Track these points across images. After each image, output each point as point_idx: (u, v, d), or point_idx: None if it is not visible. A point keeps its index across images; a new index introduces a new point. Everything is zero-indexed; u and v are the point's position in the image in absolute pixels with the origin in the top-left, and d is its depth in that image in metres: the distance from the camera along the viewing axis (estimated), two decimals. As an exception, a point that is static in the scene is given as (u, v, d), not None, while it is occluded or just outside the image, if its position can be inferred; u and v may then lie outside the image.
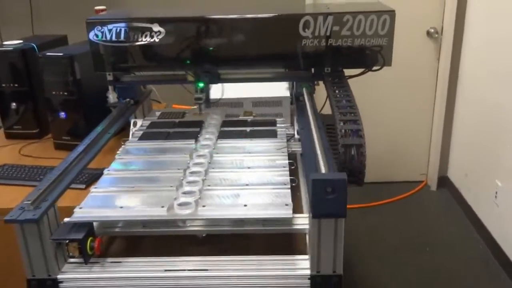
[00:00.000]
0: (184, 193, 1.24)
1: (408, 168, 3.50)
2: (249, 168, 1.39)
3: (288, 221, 1.22)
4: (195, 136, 1.65)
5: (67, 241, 1.14)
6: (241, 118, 1.87)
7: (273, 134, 1.66)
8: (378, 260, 2.66)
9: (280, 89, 2.17)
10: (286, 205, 1.18)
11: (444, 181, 3.39)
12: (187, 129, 1.73)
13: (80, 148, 1.43)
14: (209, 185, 1.29)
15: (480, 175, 2.90)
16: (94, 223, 1.23)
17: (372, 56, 1.64)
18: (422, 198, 3.37)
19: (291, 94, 2.12)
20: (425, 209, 3.24)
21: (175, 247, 1.27)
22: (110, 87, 1.88)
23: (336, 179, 1.04)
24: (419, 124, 3.41)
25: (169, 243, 1.28)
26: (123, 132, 1.82)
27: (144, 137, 1.68)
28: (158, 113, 1.95)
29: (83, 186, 1.74)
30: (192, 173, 1.36)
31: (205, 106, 1.87)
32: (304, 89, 1.76)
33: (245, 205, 1.19)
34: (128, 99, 1.89)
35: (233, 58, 1.67)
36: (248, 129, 1.71)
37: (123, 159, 1.50)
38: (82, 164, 1.38)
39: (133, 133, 1.93)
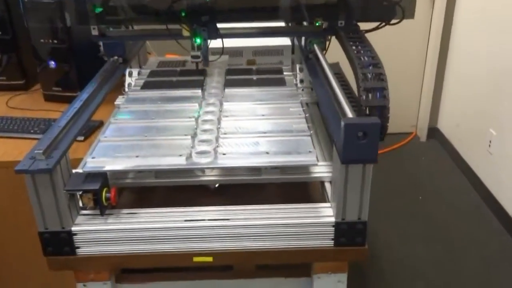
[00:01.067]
0: (201, 141, 1.19)
1: (398, 120, 3.50)
2: (263, 115, 1.34)
3: (310, 168, 1.18)
4: (201, 85, 1.58)
5: (81, 192, 1.08)
6: (244, 66, 1.80)
7: (281, 82, 1.60)
8: (370, 209, 2.68)
9: (280, 38, 2.09)
10: (310, 151, 1.14)
11: (434, 132, 3.41)
12: (191, 77, 1.65)
13: (81, 98, 1.35)
14: (225, 133, 1.24)
15: (472, 125, 2.92)
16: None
17: (390, 8, 1.54)
18: (412, 149, 3.40)
19: (292, 43, 2.05)
20: (416, 160, 3.27)
21: (188, 197, 1.22)
22: (102, 34, 1.77)
23: (370, 123, 1.00)
24: (410, 74, 3.39)
25: (181, 193, 1.23)
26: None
27: (147, 86, 1.60)
28: (155, 62, 1.85)
29: (82, 138, 1.67)
30: (204, 121, 1.30)
31: (203, 65, 1.79)
32: (315, 46, 1.66)
33: (267, 153, 1.14)
34: (116, 57, 1.67)
35: (235, 9, 1.51)
36: (254, 77, 1.65)
37: (129, 107, 1.43)
38: (87, 115, 1.30)
39: (129, 84, 1.85)
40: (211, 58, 1.59)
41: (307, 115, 1.40)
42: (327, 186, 1.23)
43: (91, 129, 1.74)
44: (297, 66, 1.92)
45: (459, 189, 2.92)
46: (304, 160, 1.12)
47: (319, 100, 1.43)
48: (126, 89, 1.81)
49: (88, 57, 1.85)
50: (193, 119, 1.32)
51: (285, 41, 2.06)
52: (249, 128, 1.27)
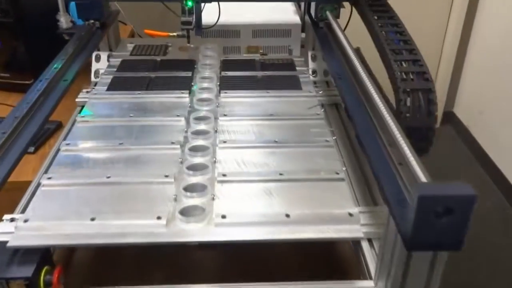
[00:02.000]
0: (189, 189, 0.82)
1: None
2: (276, 142, 0.96)
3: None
4: (188, 85, 1.18)
5: (7, 281, 0.71)
6: (245, 56, 1.39)
7: (295, 83, 1.21)
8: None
9: (286, 14, 1.68)
10: (350, 214, 0.78)
11: (449, 118, 3.04)
12: (175, 73, 1.25)
13: (30, 98, 0.96)
14: (224, 175, 0.86)
15: (501, 113, 2.54)
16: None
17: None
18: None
19: (301, 20, 1.64)
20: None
21: (169, 261, 0.87)
22: (60, 5, 1.35)
23: (459, 195, 0.63)
24: (426, 47, 2.97)
25: (159, 254, 0.87)
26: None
27: (115, 85, 1.20)
28: (129, 46, 1.44)
29: (32, 149, 1.28)
30: (194, 150, 0.92)
31: (196, 34, 1.39)
32: (328, 13, 1.31)
33: (287, 215, 0.77)
34: (91, 21, 1.38)
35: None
36: (259, 74, 1.26)
37: (88, 123, 1.03)
38: (38, 123, 0.93)
39: (97, 72, 1.45)
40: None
41: (334, 137, 1.03)
42: (364, 245, 0.87)
43: (46, 134, 1.35)
44: (309, 54, 1.53)
45: (479, 187, 2.59)
46: (343, 233, 0.76)
47: (340, 94, 1.05)
48: (93, 77, 1.43)
49: (44, 34, 1.45)
50: (178, 146, 0.94)
51: (293, 18, 1.65)
52: (256, 165, 0.89)
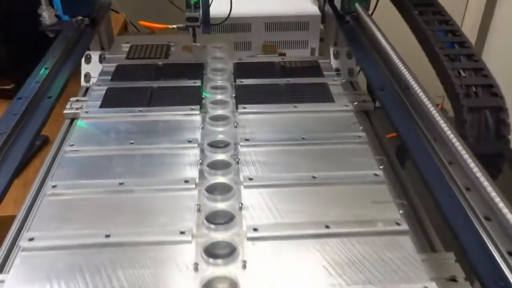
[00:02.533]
0: (211, 253, 0.63)
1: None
2: (314, 178, 0.77)
3: None
4: (197, 98, 0.98)
5: None
6: (261, 58, 1.19)
7: (326, 94, 1.01)
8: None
9: (302, 4, 1.47)
10: (426, 289, 0.59)
11: None
12: (181, 81, 1.05)
13: (7, 121, 0.77)
14: (255, 229, 0.67)
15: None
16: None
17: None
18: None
19: (321, 11, 1.43)
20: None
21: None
22: (42, -2, 1.17)
23: None
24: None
25: None
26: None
27: (110, 99, 0.99)
28: (125, 46, 1.23)
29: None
30: (212, 191, 0.73)
31: (203, 31, 1.19)
32: (357, 5, 1.15)
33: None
34: (79, 17, 1.17)
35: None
36: (281, 81, 1.06)
37: (78, 153, 0.84)
38: (18, 155, 0.74)
39: (87, 76, 1.25)
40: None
41: (381, 167, 0.84)
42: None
43: (32, 151, 1.15)
44: (331, 50, 1.33)
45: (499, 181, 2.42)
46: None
47: (386, 114, 0.86)
48: (83, 81, 1.24)
49: (25, 33, 1.25)
50: (193, 185, 0.75)
51: (311, 8, 1.44)
52: (293, 213, 0.71)
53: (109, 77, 1.08)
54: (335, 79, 1.07)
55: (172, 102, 0.97)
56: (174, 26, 1.61)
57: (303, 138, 0.86)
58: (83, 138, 0.87)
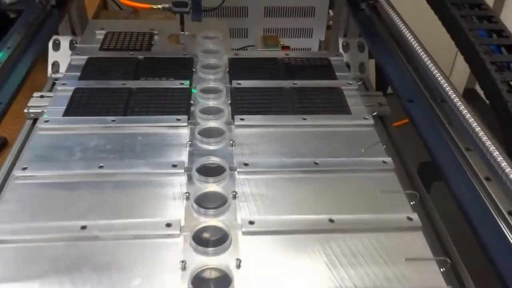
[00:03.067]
0: None
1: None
2: (332, 221, 0.61)
3: None
4: (185, 104, 0.81)
5: None
6: (261, 52, 1.01)
7: (340, 103, 0.84)
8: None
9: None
10: None
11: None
12: (165, 82, 0.87)
13: None
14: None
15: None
16: None
17: None
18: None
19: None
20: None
21: None
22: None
23: None
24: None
25: None
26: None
27: (77, 105, 0.80)
28: (99, 33, 1.04)
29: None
30: (200, 243, 0.57)
31: (193, 19, 1.01)
32: None
33: None
34: None
35: None
36: (286, 84, 0.88)
37: (34, 179, 0.66)
38: None
39: (55, 65, 1.07)
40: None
41: (413, 203, 0.68)
42: None
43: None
44: (340, 41, 1.15)
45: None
46: None
47: (418, 131, 0.70)
48: (50, 71, 1.05)
49: None
50: (177, 231, 0.58)
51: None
52: (307, 279, 0.54)
53: (78, 73, 0.89)
54: (350, 82, 0.89)
55: (154, 110, 0.79)
56: (159, 6, 1.41)
57: (315, 164, 0.69)
58: (39, 157, 0.69)
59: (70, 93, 0.83)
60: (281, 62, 0.95)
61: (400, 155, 0.81)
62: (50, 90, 1.03)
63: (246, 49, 1.08)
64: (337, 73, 0.93)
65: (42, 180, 0.66)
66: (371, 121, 0.79)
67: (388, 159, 0.71)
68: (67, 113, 0.78)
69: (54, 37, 1.11)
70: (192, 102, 0.82)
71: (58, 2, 0.99)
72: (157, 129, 0.76)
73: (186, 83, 0.87)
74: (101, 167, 0.67)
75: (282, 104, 0.82)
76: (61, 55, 1.11)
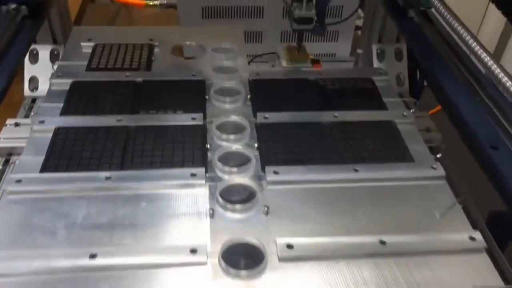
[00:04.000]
0: None
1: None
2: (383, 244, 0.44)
3: None
4: (200, 153, 0.62)
5: None
6: (288, 71, 0.82)
7: (395, 141, 0.66)
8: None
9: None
10: None
11: None
12: (172, 116, 0.68)
13: None
14: None
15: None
16: None
17: None
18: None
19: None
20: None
21: None
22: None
23: None
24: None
25: None
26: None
27: (57, 152, 0.61)
28: (85, 46, 0.84)
29: None
30: None
31: (317, 33, 0.83)
32: None
33: None
34: (12, 5, 0.78)
35: None
36: (325, 116, 0.69)
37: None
38: None
39: (32, 80, 0.89)
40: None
41: None
42: None
43: None
44: (374, 48, 0.98)
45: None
46: None
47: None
48: (27, 88, 0.88)
49: None
50: None
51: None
52: None
53: (60, 104, 0.70)
54: (405, 114, 0.71)
55: (160, 160, 0.61)
56: (156, 2, 1.21)
57: (381, 243, 0.52)
58: (5, 240, 0.51)
59: (49, 134, 0.64)
60: (314, 84, 0.77)
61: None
62: (29, 113, 0.84)
63: (269, 63, 0.89)
64: (384, 99, 0.75)
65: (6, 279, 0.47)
66: (442, 172, 0.61)
67: (477, 235, 0.54)
68: (45, 167, 0.59)
69: (32, 46, 0.92)
70: (208, 146, 0.64)
71: (33, 10, 0.79)
72: (166, 189, 0.58)
73: (199, 118, 0.68)
74: (93, 256, 0.49)
75: (324, 147, 0.64)
76: (41, 68, 0.93)
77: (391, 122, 0.69)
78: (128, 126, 0.66)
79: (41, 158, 0.61)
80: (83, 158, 0.60)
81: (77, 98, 0.71)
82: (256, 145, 0.64)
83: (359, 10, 1.07)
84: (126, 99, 0.71)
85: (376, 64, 0.99)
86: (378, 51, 1.00)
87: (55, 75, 0.75)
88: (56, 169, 0.59)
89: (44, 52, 0.93)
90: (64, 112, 0.68)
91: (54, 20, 0.92)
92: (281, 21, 1.04)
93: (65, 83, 0.74)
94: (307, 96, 0.74)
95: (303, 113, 0.70)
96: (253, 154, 0.63)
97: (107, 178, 0.58)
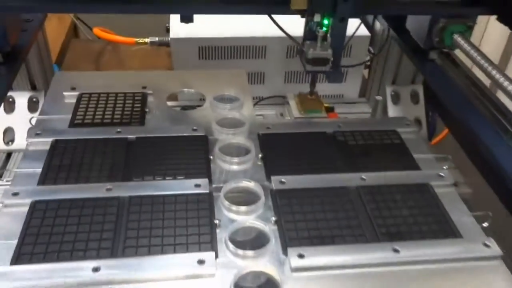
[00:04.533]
0: None
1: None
2: None
3: None
4: (208, 232, 0.51)
5: None
6: (300, 122, 0.72)
7: (440, 218, 0.56)
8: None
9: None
10: None
11: None
12: (172, 184, 0.57)
13: None
14: None
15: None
16: None
17: None
18: None
19: (369, 30, 0.97)
20: None
21: None
22: None
23: None
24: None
25: None
26: None
27: (33, 237, 0.50)
28: (69, 96, 0.73)
29: None
30: None
31: (332, 80, 0.74)
32: (457, 37, 0.71)
33: None
34: None
35: None
36: (351, 180, 0.60)
37: None
38: None
39: (10, 141, 0.78)
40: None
41: None
42: None
43: None
44: (388, 91, 0.90)
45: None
46: None
47: None
48: (0, 142, 0.80)
49: None
50: None
51: (354, 25, 0.98)
52: None
53: (38, 171, 0.59)
54: (441, 174, 0.62)
55: (159, 242, 0.50)
56: (146, 40, 1.11)
57: None
58: None
59: (25, 209, 0.53)
60: (333, 139, 0.67)
61: None
62: (2, 171, 0.74)
63: (272, 107, 0.79)
64: (414, 155, 0.65)
65: None
66: (497, 250, 0.52)
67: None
68: (18, 257, 0.48)
69: (8, 94, 0.81)
70: (217, 222, 0.53)
71: (8, 55, 0.68)
72: (168, 281, 0.47)
73: (204, 184, 0.57)
74: None
75: (355, 220, 0.54)
76: (17, 118, 0.82)
77: (427, 185, 0.60)
78: (120, 197, 0.55)
79: (13, 243, 0.49)
80: (65, 242, 0.49)
81: (59, 162, 0.60)
82: (273, 218, 0.54)
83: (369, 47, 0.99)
84: (117, 162, 0.60)
85: (390, 107, 0.91)
86: (393, 93, 0.92)
87: (33, 133, 0.64)
88: (31, 259, 0.48)
89: (21, 100, 0.82)
90: (43, 180, 0.57)
91: (33, 64, 0.82)
92: (285, 61, 0.95)
93: (44, 143, 0.63)
94: (327, 153, 0.64)
95: (326, 175, 0.60)
96: (271, 230, 0.52)
97: (95, 270, 0.47)
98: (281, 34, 0.93)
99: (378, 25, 0.97)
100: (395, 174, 0.61)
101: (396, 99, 0.92)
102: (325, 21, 0.65)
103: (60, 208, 0.53)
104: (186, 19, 0.67)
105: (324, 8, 0.63)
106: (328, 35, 0.66)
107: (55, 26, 1.29)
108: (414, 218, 0.55)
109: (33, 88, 0.84)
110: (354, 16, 0.68)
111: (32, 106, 0.83)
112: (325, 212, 0.55)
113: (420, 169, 0.63)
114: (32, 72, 0.83)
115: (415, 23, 0.78)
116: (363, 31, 0.96)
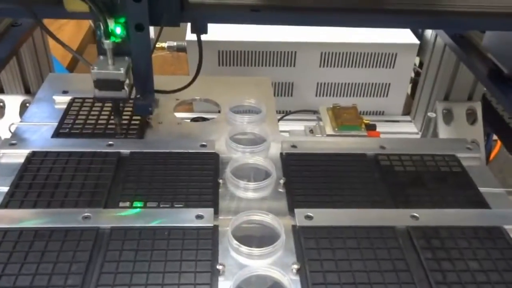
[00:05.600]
0: None
1: None
2: None
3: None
4: (210, 281, 0.38)
5: None
6: (334, 141, 0.59)
7: (517, 267, 0.42)
8: None
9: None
10: None
11: None
12: (171, 214, 0.45)
13: None
14: None
15: None
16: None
17: None
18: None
19: (418, 37, 0.83)
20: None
21: None
22: None
23: None
24: None
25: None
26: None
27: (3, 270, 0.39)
28: (60, 99, 0.62)
29: None
30: None
31: (138, 111, 0.57)
32: None
33: None
34: None
35: None
36: (398, 217, 0.46)
37: None
38: None
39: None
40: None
41: None
42: None
43: None
44: (440, 108, 0.76)
45: None
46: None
47: None
48: None
49: None
50: None
51: (400, 33, 0.85)
52: None
53: (5, 189, 0.47)
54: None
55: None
56: (164, 44, 1.01)
57: None
58: None
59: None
60: (375, 163, 0.53)
61: None
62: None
63: (302, 123, 0.66)
64: (480, 188, 0.51)
65: None
66: None
67: None
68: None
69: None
70: (220, 267, 0.40)
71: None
72: None
73: (208, 216, 0.45)
74: None
75: (406, 273, 0.40)
76: (7, 124, 0.71)
77: (500, 229, 0.45)
78: (99, 228, 0.43)
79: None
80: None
81: (31, 180, 0.48)
82: (295, 266, 0.41)
83: (416, 58, 0.86)
84: (103, 182, 0.48)
85: (442, 127, 0.77)
86: (445, 111, 0.77)
87: (7, 143, 0.53)
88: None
89: (12, 104, 0.72)
90: (6, 203, 0.45)
91: (27, 65, 0.72)
92: (318, 70, 0.82)
93: (20, 155, 0.52)
94: (368, 181, 0.51)
95: (365, 210, 0.46)
96: (290, 282, 0.39)
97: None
98: (314, 39, 0.81)
99: (428, 31, 0.84)
100: (457, 213, 0.47)
101: (448, 118, 0.77)
102: (118, 29, 0.50)
103: (21, 239, 0.41)
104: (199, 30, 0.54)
105: (108, 9, 0.48)
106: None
107: (71, 30, 1.21)
108: (486, 276, 0.41)
109: (27, 92, 0.74)
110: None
111: (24, 111, 0.73)
112: (364, 261, 0.41)
113: (489, 206, 0.48)
114: (25, 75, 0.73)
115: (499, 41, 0.63)
116: (410, 38, 0.83)
